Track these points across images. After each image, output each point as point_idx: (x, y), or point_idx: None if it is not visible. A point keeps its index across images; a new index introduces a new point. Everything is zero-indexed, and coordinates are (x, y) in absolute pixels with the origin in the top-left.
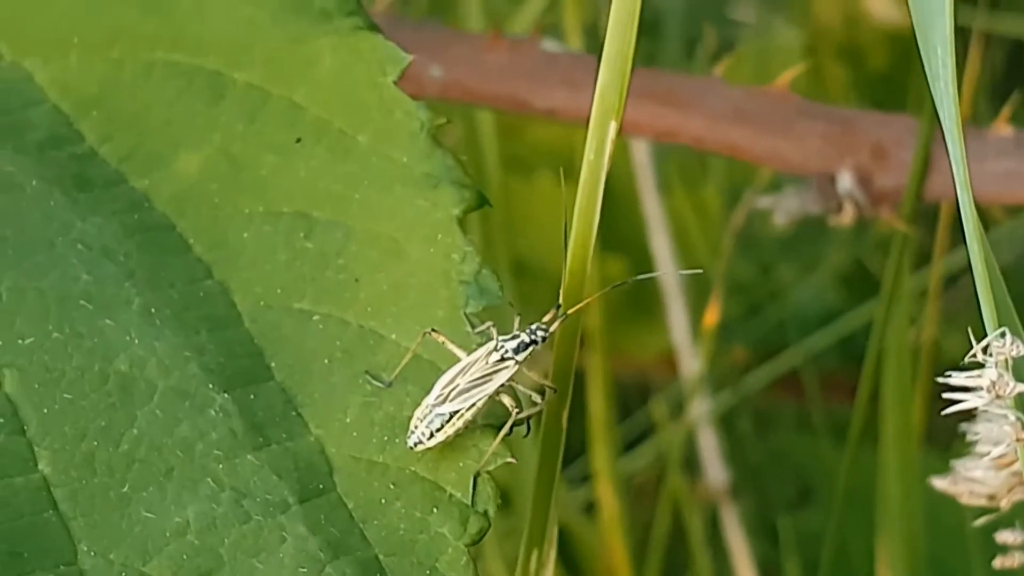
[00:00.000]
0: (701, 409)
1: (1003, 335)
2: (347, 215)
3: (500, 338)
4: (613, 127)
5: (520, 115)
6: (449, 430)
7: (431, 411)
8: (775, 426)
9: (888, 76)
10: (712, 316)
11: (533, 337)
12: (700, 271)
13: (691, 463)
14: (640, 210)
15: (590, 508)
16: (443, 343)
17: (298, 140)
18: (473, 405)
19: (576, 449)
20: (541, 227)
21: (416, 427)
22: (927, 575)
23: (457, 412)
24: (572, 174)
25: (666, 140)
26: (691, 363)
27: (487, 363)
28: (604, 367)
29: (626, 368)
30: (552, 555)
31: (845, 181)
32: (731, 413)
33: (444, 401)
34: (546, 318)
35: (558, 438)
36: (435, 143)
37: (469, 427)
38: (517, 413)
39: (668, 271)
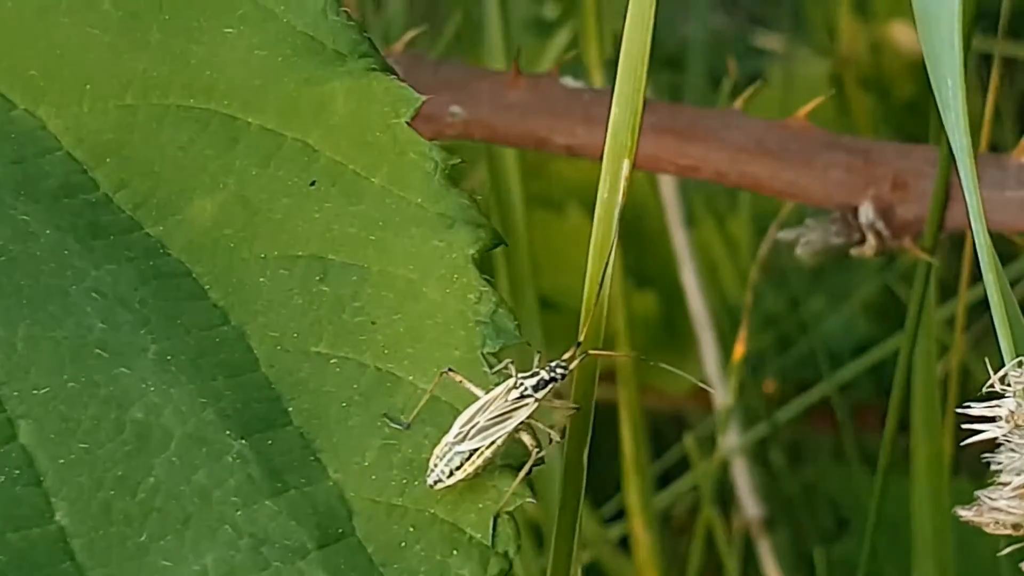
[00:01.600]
0: (734, 442)
1: (1020, 364)
2: (362, 257)
3: (520, 375)
4: (626, 165)
5: (540, 152)
6: (468, 468)
7: (450, 449)
8: (808, 458)
9: (914, 105)
10: (740, 348)
11: (552, 375)
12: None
13: (726, 497)
14: (669, 245)
15: (625, 543)
16: (460, 382)
17: (312, 183)
18: (493, 443)
19: (612, 485)
20: (569, 262)
21: (436, 466)
22: None
23: (477, 450)
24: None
25: (688, 175)
26: (723, 396)
27: (506, 400)
28: (634, 403)
29: (659, 403)
30: None
31: (867, 212)
32: (764, 446)
33: (463, 439)
34: (566, 356)
35: (579, 478)
36: (450, 183)
37: (489, 466)
38: (537, 452)
39: (697, 305)
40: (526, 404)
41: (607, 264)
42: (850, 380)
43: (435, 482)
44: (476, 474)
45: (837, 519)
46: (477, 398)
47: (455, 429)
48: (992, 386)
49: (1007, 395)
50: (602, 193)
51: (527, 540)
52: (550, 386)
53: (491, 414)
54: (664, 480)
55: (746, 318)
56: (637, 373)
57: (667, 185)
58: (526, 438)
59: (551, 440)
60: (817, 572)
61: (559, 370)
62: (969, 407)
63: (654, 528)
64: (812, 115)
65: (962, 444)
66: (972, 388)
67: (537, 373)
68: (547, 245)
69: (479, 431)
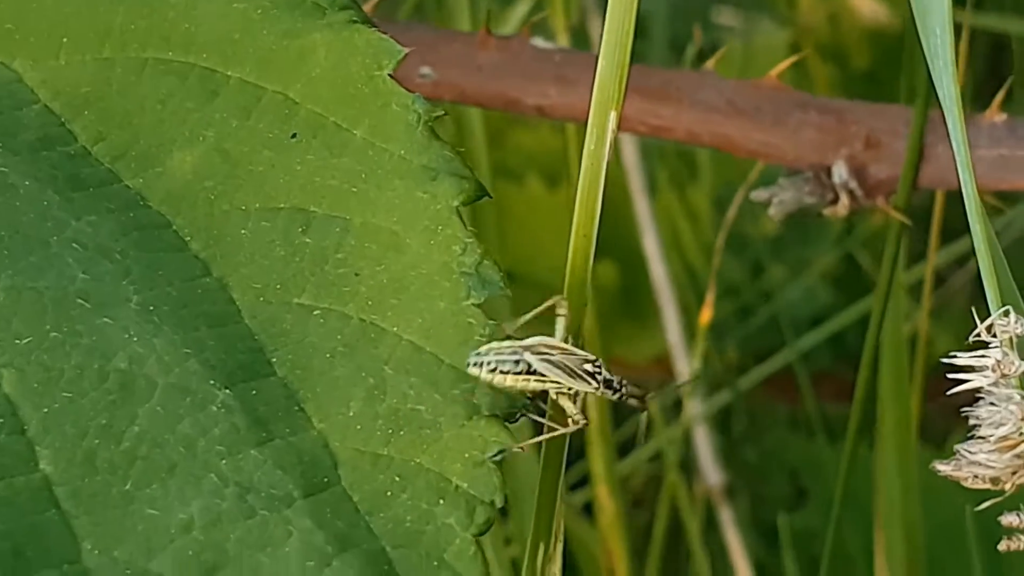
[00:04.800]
0: (696, 409)
1: (1007, 314)
2: (345, 209)
3: (596, 362)
4: (614, 117)
5: (509, 114)
6: (509, 380)
7: (518, 352)
8: (770, 427)
9: (872, 74)
10: (707, 313)
11: (619, 390)
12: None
13: (688, 466)
14: (629, 214)
15: (589, 510)
16: (560, 315)
17: (294, 135)
18: (543, 377)
19: (575, 452)
20: (528, 232)
21: (487, 355)
22: (924, 568)
23: (534, 371)
24: (560, 178)
25: (660, 136)
26: (685, 364)
27: (577, 363)
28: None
29: (621, 373)
30: (559, 549)
31: (840, 172)
32: (726, 415)
33: (527, 350)
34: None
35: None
36: (432, 135)
37: (520, 391)
38: (573, 424)
39: (659, 272)
40: (588, 382)
41: (595, 218)
42: (811, 349)
43: (475, 363)
44: (512, 388)
45: (796, 488)
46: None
47: (528, 341)
48: (979, 335)
49: (992, 345)
50: (589, 145)
51: None
52: (609, 392)
53: (558, 357)
54: (626, 449)
55: (712, 283)
56: (598, 342)
57: (629, 152)
58: (567, 405)
59: (575, 421)
60: (780, 539)
61: (625, 388)
62: (955, 356)
63: (618, 495)
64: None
65: (948, 393)
66: (933, 356)
67: (612, 379)
68: (507, 215)
69: (542, 358)
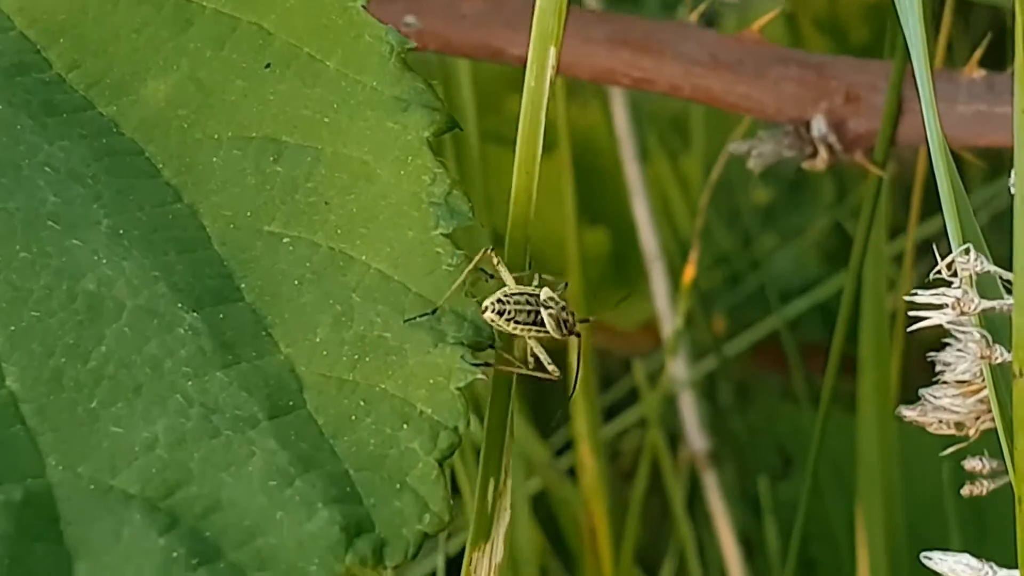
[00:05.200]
0: (682, 374)
1: (967, 251)
2: (317, 139)
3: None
4: (553, 53)
5: (506, 80)
6: (519, 329)
7: (533, 305)
8: (758, 398)
9: (869, 48)
10: (691, 271)
11: (567, 325)
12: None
13: (673, 435)
14: (620, 182)
15: (573, 473)
16: (498, 264)
17: (267, 66)
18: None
19: (561, 418)
20: None
21: (508, 304)
22: (904, 535)
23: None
24: (552, 145)
25: (642, 88)
26: (673, 330)
27: (565, 316)
28: (585, 334)
29: (609, 340)
30: (509, 484)
31: (819, 126)
32: (713, 384)
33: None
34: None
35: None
36: (405, 67)
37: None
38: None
39: (648, 238)
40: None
41: (536, 157)
42: (799, 318)
43: (496, 311)
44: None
45: (783, 457)
46: (505, 284)
47: (541, 294)
48: (940, 273)
49: (954, 284)
50: (529, 82)
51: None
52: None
53: (556, 313)
54: (612, 415)
55: (696, 240)
56: (586, 307)
57: (620, 119)
58: (542, 354)
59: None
60: (762, 502)
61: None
62: (916, 294)
63: (601, 456)
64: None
65: (909, 330)
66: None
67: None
68: (498, 180)
69: (548, 313)
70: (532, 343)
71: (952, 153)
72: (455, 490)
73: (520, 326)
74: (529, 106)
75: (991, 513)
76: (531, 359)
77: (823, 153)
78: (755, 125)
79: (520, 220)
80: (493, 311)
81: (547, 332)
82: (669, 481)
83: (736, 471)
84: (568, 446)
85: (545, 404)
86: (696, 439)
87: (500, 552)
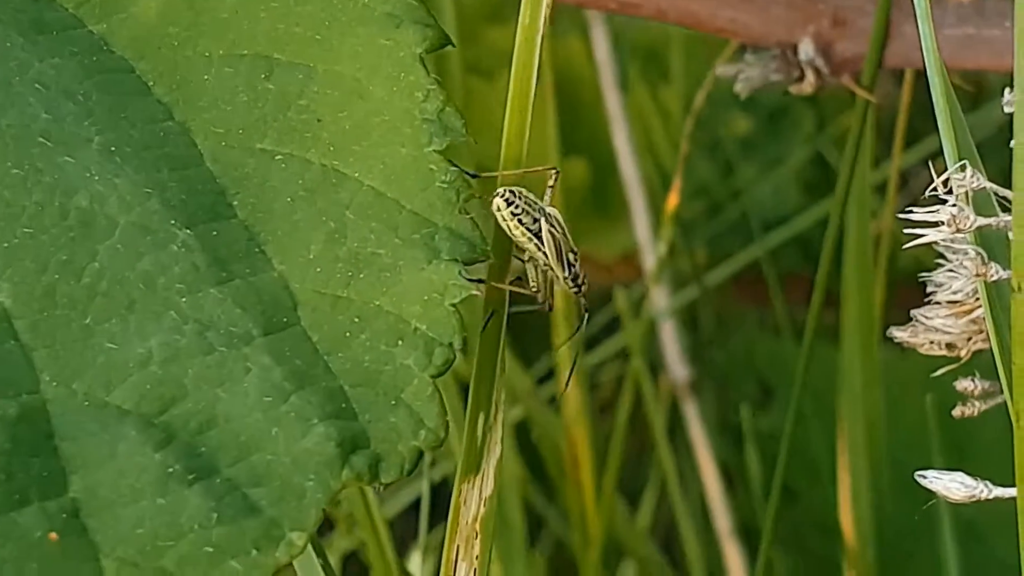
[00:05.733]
0: (663, 303)
1: (963, 168)
2: (308, 56)
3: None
4: None
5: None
6: (518, 230)
7: (540, 212)
8: (738, 329)
9: None
10: (673, 199)
11: (579, 287)
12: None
13: (655, 365)
14: (600, 113)
15: (554, 401)
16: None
17: None
18: (540, 243)
19: (542, 346)
20: (500, 128)
21: (520, 198)
22: (887, 466)
23: (538, 231)
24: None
25: (628, 12)
26: (653, 262)
27: (566, 248)
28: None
29: (590, 271)
30: (500, 418)
31: (807, 49)
32: (694, 315)
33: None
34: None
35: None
36: None
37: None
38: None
39: (629, 168)
40: (565, 270)
41: (530, 95)
42: (780, 248)
43: (506, 200)
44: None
45: (763, 388)
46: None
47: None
48: (935, 190)
49: (949, 200)
50: (523, 20)
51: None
52: (571, 284)
53: (559, 237)
54: (593, 345)
55: (680, 168)
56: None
57: (601, 47)
58: (532, 276)
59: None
60: (744, 432)
61: (581, 286)
62: (911, 211)
63: (582, 385)
64: None
65: (904, 248)
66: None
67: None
68: (479, 112)
69: (550, 229)
70: (527, 257)
71: None
72: None
73: (521, 228)
74: (523, 44)
75: (973, 445)
76: (530, 284)
77: (810, 77)
78: (736, 57)
79: (513, 158)
80: (503, 199)
81: (544, 253)
82: (650, 410)
83: (716, 401)
84: (550, 375)
85: (526, 331)
86: (677, 368)
87: (491, 485)
